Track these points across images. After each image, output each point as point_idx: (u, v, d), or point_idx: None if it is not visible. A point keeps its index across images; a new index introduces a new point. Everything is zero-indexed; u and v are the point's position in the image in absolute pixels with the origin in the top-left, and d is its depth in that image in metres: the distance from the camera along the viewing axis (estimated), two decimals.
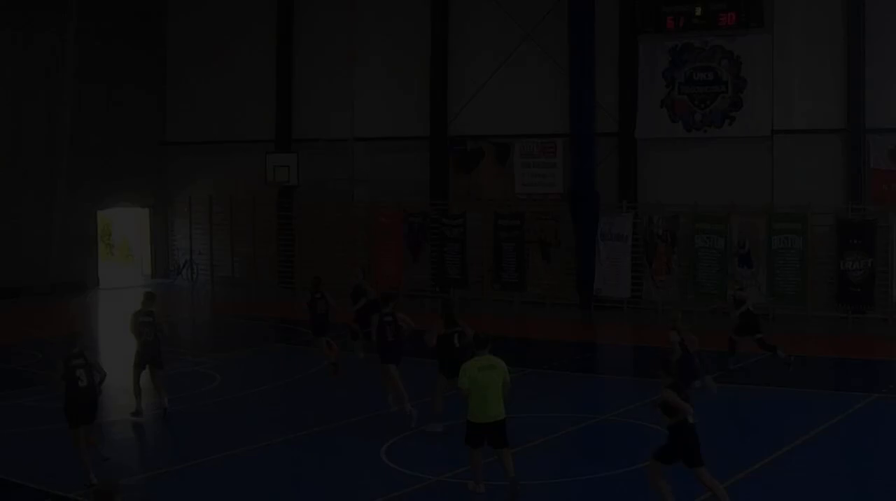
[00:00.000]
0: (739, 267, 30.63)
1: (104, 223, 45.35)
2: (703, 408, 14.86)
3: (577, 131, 33.01)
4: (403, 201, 36.64)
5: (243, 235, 41.22)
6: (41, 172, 39.32)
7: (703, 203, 31.39)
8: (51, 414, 17.57)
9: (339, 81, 38.40)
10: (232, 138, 40.90)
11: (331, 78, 38.76)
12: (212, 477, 16.81)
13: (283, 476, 16.96)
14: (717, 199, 31.07)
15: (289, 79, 39.99)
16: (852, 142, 30.05)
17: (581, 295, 33.31)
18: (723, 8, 30.91)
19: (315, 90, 39.28)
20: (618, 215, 32.90)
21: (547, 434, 18.61)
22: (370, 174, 38.04)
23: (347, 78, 38.19)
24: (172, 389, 21.85)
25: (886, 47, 29.50)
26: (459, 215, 35.45)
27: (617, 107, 33.19)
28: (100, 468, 16.06)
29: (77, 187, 39.98)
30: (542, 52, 34.13)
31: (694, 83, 31.86)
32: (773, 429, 18.90)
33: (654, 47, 32.49)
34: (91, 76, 40.42)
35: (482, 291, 35.20)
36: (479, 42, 35.75)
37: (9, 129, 37.84)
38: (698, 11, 31.21)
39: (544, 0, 33.89)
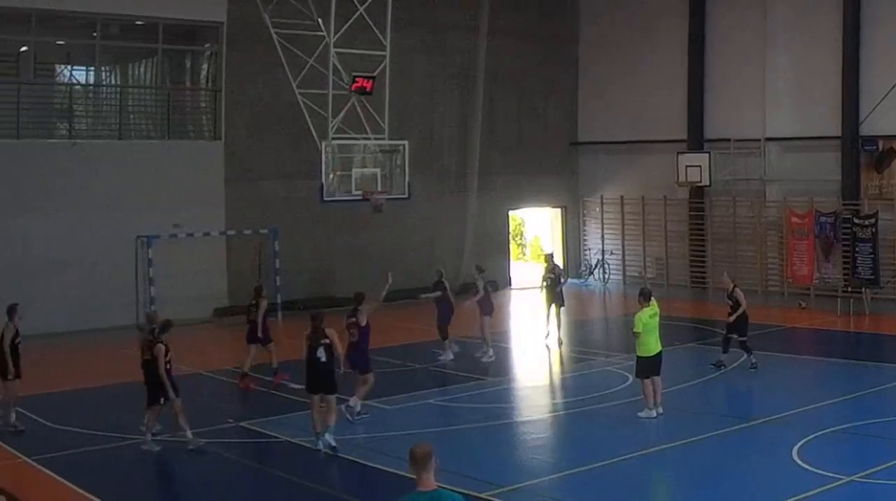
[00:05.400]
0: None
1: (516, 223, 51.07)
2: None
3: None
4: (815, 200, 40.38)
5: (655, 235, 46.35)
6: (455, 173, 45.44)
7: None
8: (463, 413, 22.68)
9: (749, 80, 42.60)
10: (643, 138, 46.11)
11: (741, 77, 43.06)
12: (621, 476, 18.96)
13: (691, 473, 19.26)
14: None
15: (700, 78, 44.76)
16: None
17: None
18: None
19: (726, 89, 43.78)
20: None
21: None
22: (781, 173, 42.01)
23: (758, 77, 42.33)
24: (585, 389, 26.00)
25: None
26: (871, 215, 38.62)
27: None
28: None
29: (490, 187, 45.89)
30: None
31: None
32: None
33: None
34: (502, 76, 46.16)
35: (895, 291, 39.00)
36: (891, 40, 38.80)
37: (423, 132, 43.01)
38: None
39: None
